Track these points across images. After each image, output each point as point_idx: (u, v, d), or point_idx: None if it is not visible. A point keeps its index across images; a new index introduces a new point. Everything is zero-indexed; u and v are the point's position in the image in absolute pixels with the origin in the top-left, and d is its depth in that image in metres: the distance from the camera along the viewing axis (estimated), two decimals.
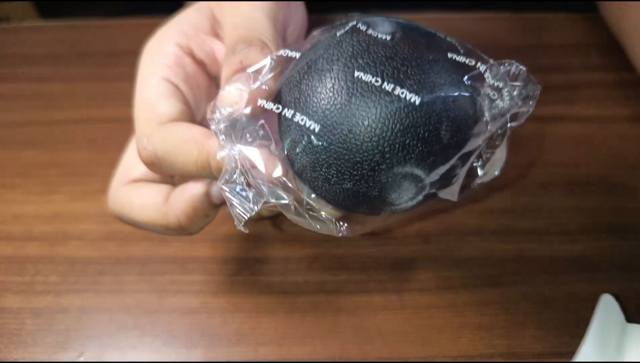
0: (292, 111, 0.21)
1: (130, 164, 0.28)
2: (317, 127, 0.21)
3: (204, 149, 0.23)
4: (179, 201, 0.25)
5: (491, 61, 0.22)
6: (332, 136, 0.21)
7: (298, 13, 0.31)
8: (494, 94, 0.22)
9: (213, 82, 0.29)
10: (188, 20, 0.28)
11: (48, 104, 0.42)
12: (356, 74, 0.20)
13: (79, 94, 0.43)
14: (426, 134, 0.20)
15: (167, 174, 0.27)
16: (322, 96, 0.21)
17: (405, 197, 0.21)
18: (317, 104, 0.21)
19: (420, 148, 0.20)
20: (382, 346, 0.29)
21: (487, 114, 0.21)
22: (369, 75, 0.20)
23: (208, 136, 0.23)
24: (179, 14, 0.29)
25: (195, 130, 0.24)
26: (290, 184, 0.21)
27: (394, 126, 0.20)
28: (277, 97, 0.23)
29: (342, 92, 0.20)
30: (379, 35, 0.21)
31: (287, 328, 0.29)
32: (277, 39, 0.26)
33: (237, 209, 0.21)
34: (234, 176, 0.21)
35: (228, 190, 0.21)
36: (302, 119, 0.21)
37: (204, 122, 0.28)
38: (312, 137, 0.21)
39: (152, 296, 0.31)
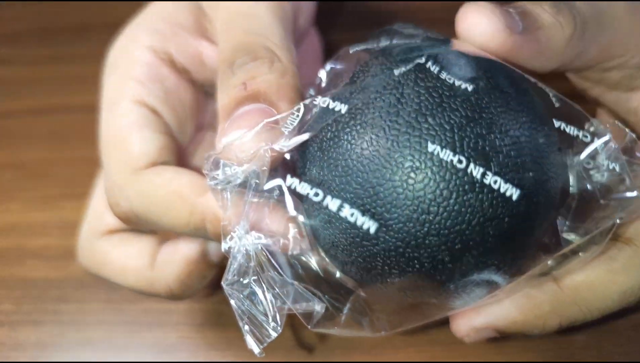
0: (339, 202, 0.15)
1: (102, 210, 0.22)
2: (373, 227, 0.15)
3: (197, 211, 0.17)
4: (170, 265, 0.20)
5: (608, 135, 0.16)
6: (389, 231, 0.15)
7: None
8: (588, 162, 0.16)
9: (200, 93, 0.23)
10: (163, 13, 0.22)
11: (3, 92, 0.36)
12: (430, 148, 0.14)
13: (40, 79, 0.37)
14: (517, 234, 0.15)
15: (143, 228, 0.21)
16: (382, 181, 0.15)
17: (470, 301, 0.16)
18: (376, 196, 0.15)
19: (505, 250, 0.15)
20: None
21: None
22: (448, 151, 0.14)
23: (201, 190, 0.18)
24: (151, 4, 0.22)
25: (184, 180, 0.18)
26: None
27: (472, 219, 0.14)
28: (306, 165, 0.17)
29: (409, 176, 0.14)
30: (456, 83, 0.15)
31: None
32: (289, 45, 0.19)
33: (251, 331, 0.16)
34: (246, 280, 0.16)
35: (238, 301, 0.16)
36: (352, 214, 0.15)
37: (189, 150, 0.22)
38: (364, 238, 0.15)
39: (121, 329, 0.26)
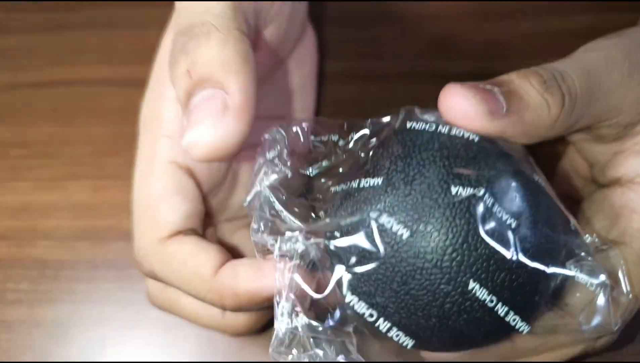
0: (389, 325, 0.17)
1: (159, 207, 0.21)
2: (410, 344, 0.18)
3: (214, 290, 0.19)
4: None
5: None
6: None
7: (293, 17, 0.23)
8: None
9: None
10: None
11: (3, 64, 0.36)
12: (470, 285, 0.16)
13: (39, 48, 0.37)
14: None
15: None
16: (430, 312, 0.17)
17: None
18: (424, 324, 0.17)
19: None
20: None
21: None
22: (484, 290, 0.16)
23: (219, 265, 0.19)
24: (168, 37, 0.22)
25: (203, 257, 0.19)
26: None
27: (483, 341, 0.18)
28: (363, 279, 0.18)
29: (450, 309, 0.16)
30: (504, 217, 0.16)
31: None
32: (231, 13, 0.17)
33: None
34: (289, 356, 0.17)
35: None
36: (397, 335, 0.17)
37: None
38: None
39: (130, 307, 0.28)
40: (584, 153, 0.23)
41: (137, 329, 0.28)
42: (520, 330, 0.17)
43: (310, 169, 0.21)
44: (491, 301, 0.16)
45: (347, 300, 0.18)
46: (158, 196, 0.20)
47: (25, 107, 0.35)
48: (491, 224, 0.16)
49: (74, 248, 0.30)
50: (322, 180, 0.20)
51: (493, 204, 0.16)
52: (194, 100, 0.17)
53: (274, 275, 0.18)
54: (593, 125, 0.20)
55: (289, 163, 0.19)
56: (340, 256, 0.18)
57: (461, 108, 0.17)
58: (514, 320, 0.17)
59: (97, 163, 0.32)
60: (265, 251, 0.19)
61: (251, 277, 0.18)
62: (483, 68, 0.32)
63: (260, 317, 0.22)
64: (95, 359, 0.27)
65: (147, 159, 0.21)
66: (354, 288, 0.17)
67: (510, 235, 0.16)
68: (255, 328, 0.23)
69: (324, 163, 0.21)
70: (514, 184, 0.17)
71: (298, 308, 0.17)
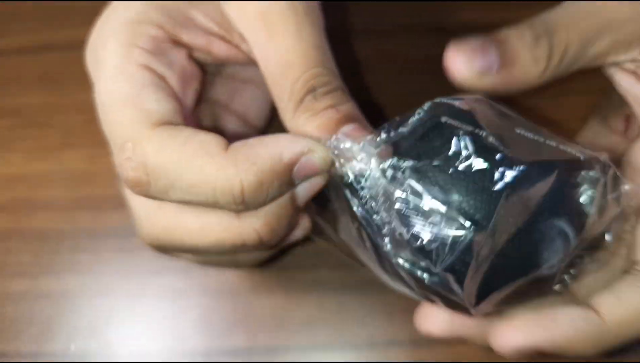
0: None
1: (143, 105, 0.20)
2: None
3: (226, 164, 0.17)
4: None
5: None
6: None
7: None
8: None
9: (200, 69, 0.22)
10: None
11: None
12: None
13: (20, 13, 0.35)
14: None
15: (155, 198, 0.19)
16: None
17: None
18: None
19: None
20: (390, 327, 0.26)
21: None
22: None
23: (226, 145, 0.18)
24: None
25: (206, 136, 0.18)
26: None
27: None
28: None
29: None
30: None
31: (287, 311, 0.27)
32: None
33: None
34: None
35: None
36: None
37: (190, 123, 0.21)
38: None
39: (135, 277, 0.28)
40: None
41: (142, 298, 0.28)
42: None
43: None
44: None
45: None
46: (138, 89, 0.19)
47: (12, 74, 0.33)
48: None
49: (73, 218, 0.30)
50: None
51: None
52: (347, 126, 0.19)
53: (293, 139, 0.18)
54: (601, 63, 0.21)
55: None
56: None
57: (458, 68, 0.19)
58: None
59: (91, 131, 0.31)
60: None
61: (270, 142, 0.18)
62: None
63: (280, 220, 0.19)
64: (101, 330, 0.27)
65: (117, 64, 0.20)
66: None
67: None
68: (275, 237, 0.20)
69: None
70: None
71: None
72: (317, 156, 0.18)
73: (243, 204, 0.18)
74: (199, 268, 0.28)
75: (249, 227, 0.19)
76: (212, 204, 0.18)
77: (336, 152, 0.18)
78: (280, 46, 0.19)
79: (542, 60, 0.19)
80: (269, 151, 0.17)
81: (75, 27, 0.34)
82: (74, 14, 0.35)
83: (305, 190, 0.19)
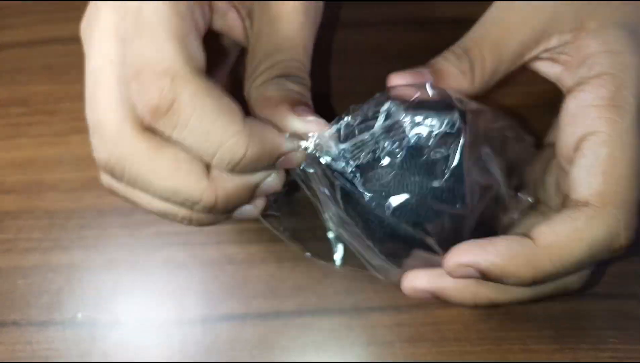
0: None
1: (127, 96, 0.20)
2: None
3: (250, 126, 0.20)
4: (225, 181, 0.21)
5: None
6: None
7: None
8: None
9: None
10: None
11: None
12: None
13: (26, 9, 0.37)
14: None
15: (155, 131, 0.20)
16: None
17: None
18: None
19: None
20: (374, 294, 0.29)
21: None
22: None
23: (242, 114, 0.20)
24: None
25: (236, 108, 0.20)
26: None
27: None
28: None
29: None
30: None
31: (278, 281, 0.29)
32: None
33: None
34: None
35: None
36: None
37: None
38: None
39: (138, 251, 0.30)
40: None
41: (145, 270, 0.30)
42: None
43: None
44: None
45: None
46: (189, 29, 0.20)
47: (20, 66, 0.36)
48: None
49: (81, 198, 0.32)
50: None
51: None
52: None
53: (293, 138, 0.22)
54: (523, 61, 0.25)
55: None
56: None
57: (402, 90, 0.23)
58: None
59: None
60: None
61: (277, 131, 0.21)
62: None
63: (240, 194, 0.21)
64: (107, 300, 0.30)
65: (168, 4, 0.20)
66: None
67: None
68: (226, 207, 0.21)
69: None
70: None
71: None
72: (299, 155, 0.22)
73: (234, 168, 0.20)
74: (198, 242, 0.30)
75: (212, 188, 0.20)
76: (204, 156, 0.20)
77: (315, 143, 0.22)
78: (282, 31, 0.22)
79: (467, 72, 0.24)
80: (275, 138, 0.21)
81: (76, 22, 0.37)
82: (75, 9, 0.37)
83: (271, 182, 0.22)
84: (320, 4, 0.24)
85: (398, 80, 0.24)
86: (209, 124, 0.19)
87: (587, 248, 0.21)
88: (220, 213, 0.22)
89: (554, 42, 0.24)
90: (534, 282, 0.22)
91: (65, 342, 0.29)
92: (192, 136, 0.19)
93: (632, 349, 0.27)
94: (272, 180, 0.22)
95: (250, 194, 0.22)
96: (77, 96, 0.34)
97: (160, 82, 0.19)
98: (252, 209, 0.24)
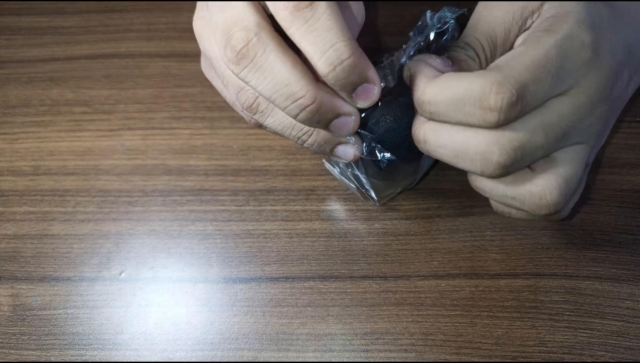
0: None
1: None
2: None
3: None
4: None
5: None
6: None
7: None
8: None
9: None
10: None
11: (64, 39, 0.45)
12: None
13: (90, 27, 0.45)
14: None
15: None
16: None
17: None
18: None
19: None
20: (366, 265, 0.34)
21: None
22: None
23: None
24: None
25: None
26: None
27: None
28: None
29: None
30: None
31: (288, 251, 0.35)
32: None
33: None
34: None
35: None
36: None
37: None
38: None
39: (175, 223, 0.37)
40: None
41: (179, 239, 0.36)
42: None
43: None
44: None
45: None
46: None
47: (83, 74, 0.43)
48: None
49: (129, 180, 0.39)
50: None
51: None
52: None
53: None
54: (514, 39, 0.29)
55: None
56: None
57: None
58: None
59: (145, 117, 0.41)
60: None
61: None
62: None
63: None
64: (147, 261, 0.36)
65: None
66: None
67: None
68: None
69: None
70: None
71: None
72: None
73: (336, 69, 0.25)
74: (224, 219, 0.37)
75: (316, 90, 0.26)
76: (320, 49, 0.25)
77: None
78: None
79: (475, 57, 0.28)
80: (368, 64, 0.26)
81: (133, 40, 0.44)
82: (132, 30, 0.45)
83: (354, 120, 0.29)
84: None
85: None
86: (333, 23, 0.25)
87: (461, 90, 0.25)
88: (315, 120, 0.27)
89: (528, 23, 0.28)
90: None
91: (111, 295, 0.35)
92: (316, 32, 0.25)
93: (585, 321, 0.33)
94: (354, 119, 0.28)
95: (335, 115, 0.27)
96: (130, 100, 0.42)
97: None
98: (351, 150, 0.30)
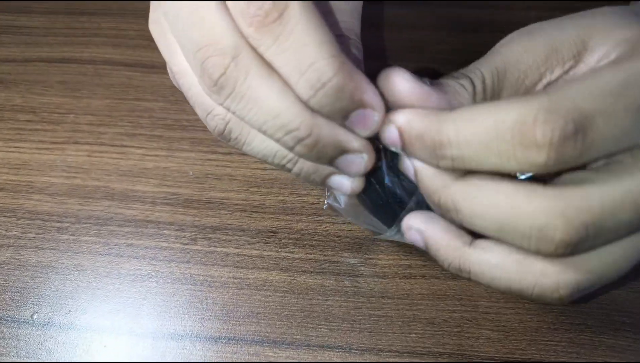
0: None
1: None
2: None
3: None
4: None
5: None
6: None
7: None
8: None
9: None
10: None
11: (24, 40, 0.40)
12: None
13: (54, 29, 0.41)
14: None
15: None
16: None
17: None
18: None
19: None
20: (327, 332, 0.28)
21: None
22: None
23: None
24: None
25: None
26: None
27: None
28: None
29: None
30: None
31: (235, 305, 0.29)
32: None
33: None
34: None
35: None
36: None
37: None
38: None
39: (106, 259, 0.31)
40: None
41: (109, 278, 0.30)
42: None
43: None
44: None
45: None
46: None
47: (37, 78, 0.38)
48: None
49: (63, 202, 0.33)
50: None
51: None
52: None
53: None
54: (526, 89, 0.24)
55: None
56: None
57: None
58: None
59: (95, 131, 0.35)
60: None
61: None
62: None
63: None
64: (65, 302, 0.30)
65: None
66: None
67: None
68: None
69: None
70: None
71: None
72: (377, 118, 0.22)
73: (317, 93, 0.20)
74: (165, 258, 0.30)
75: (311, 121, 0.21)
76: (296, 72, 0.20)
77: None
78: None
79: (468, 86, 0.23)
80: (363, 81, 0.21)
81: (99, 46, 0.39)
82: (100, 35, 0.40)
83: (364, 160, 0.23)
84: None
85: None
86: (309, 37, 0.19)
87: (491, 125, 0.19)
88: (314, 156, 0.22)
89: (557, 72, 0.23)
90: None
91: (16, 340, 0.29)
92: (290, 50, 0.20)
93: None
94: (365, 158, 0.22)
95: (339, 151, 0.22)
96: (82, 110, 0.37)
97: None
98: (347, 182, 0.24)
